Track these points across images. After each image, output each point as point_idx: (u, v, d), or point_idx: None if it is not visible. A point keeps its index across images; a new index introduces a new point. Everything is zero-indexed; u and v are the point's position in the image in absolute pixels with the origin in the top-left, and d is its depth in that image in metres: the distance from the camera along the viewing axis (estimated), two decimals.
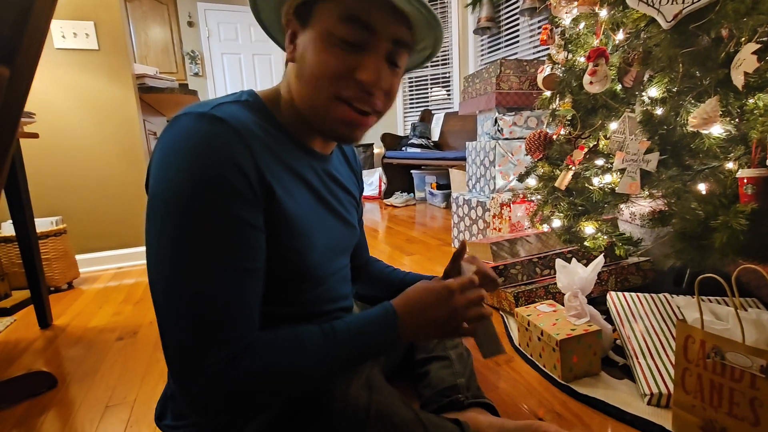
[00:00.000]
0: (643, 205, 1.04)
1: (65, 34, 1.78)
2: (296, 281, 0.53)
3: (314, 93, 0.48)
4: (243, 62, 4.65)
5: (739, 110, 0.74)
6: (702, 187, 0.81)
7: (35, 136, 1.33)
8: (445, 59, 4.06)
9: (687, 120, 0.79)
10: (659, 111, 0.88)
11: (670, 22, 0.77)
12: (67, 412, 0.87)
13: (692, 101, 0.79)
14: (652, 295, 1.00)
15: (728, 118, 0.75)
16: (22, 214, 1.24)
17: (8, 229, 1.57)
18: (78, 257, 1.87)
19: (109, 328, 1.30)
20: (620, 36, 0.98)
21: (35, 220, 1.32)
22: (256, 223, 0.45)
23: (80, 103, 1.85)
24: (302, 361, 0.45)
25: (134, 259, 2.04)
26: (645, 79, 0.93)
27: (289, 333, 0.47)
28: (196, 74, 4.49)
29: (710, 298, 0.93)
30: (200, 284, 0.41)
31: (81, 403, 0.90)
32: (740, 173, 0.72)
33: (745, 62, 0.66)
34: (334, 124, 0.49)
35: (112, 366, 1.05)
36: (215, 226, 0.42)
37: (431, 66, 4.16)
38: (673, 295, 0.99)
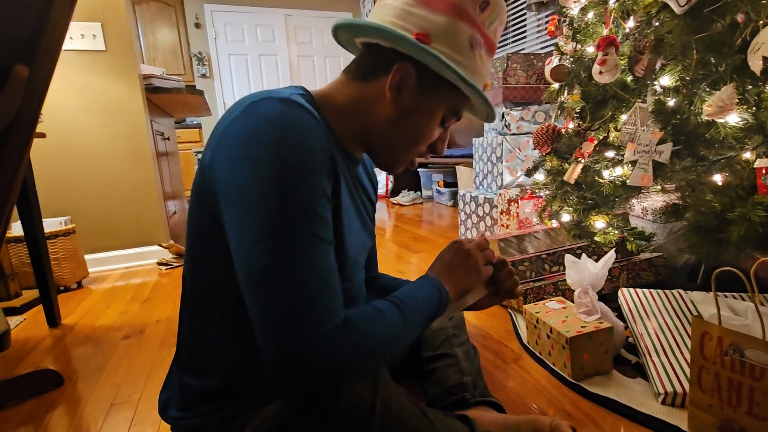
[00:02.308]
0: (656, 200, 1.01)
1: (72, 35, 1.79)
2: None
3: (406, 146, 0.57)
4: (250, 63, 4.66)
5: (756, 98, 0.71)
6: (718, 179, 0.78)
7: (43, 136, 1.34)
8: None
9: (701, 109, 0.76)
10: (672, 100, 0.85)
11: (683, 6, 0.74)
12: (73, 409, 0.87)
13: (707, 89, 0.77)
14: (666, 291, 0.97)
15: (745, 106, 0.72)
16: (30, 214, 1.26)
17: (18, 229, 1.59)
18: (87, 257, 1.89)
19: (116, 326, 1.31)
20: (630, 24, 0.95)
21: (44, 220, 1.33)
22: (330, 206, 0.48)
23: (88, 103, 1.87)
24: (391, 329, 0.49)
25: (142, 258, 2.05)
26: (657, 67, 0.91)
27: (370, 308, 0.49)
28: (204, 75, 4.52)
29: (726, 294, 0.90)
30: (307, 259, 0.42)
31: (87, 400, 0.90)
32: (758, 163, 0.69)
33: (763, 46, 0.63)
34: (399, 167, 0.60)
35: (118, 364, 1.06)
36: (313, 203, 0.44)
37: None
38: (688, 291, 0.96)
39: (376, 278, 0.85)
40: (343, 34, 0.58)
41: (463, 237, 0.68)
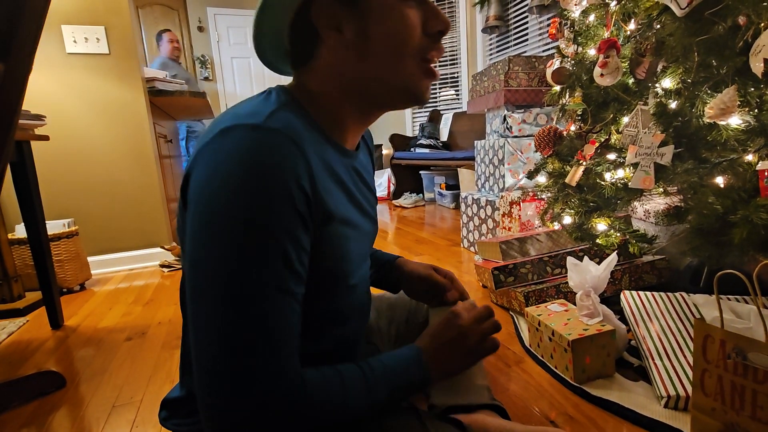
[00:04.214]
0: (658, 203, 1.01)
1: (76, 38, 1.81)
2: (330, 289, 0.51)
3: (393, 58, 0.47)
4: (252, 66, 4.69)
5: (758, 100, 0.70)
6: (720, 181, 0.77)
7: (46, 138, 1.35)
8: (454, 59, 4.04)
9: (703, 111, 0.76)
10: (673, 103, 0.85)
11: (684, 9, 0.74)
12: (75, 411, 0.88)
13: (708, 91, 0.76)
14: (668, 293, 0.96)
15: (747, 109, 0.72)
16: (33, 216, 1.26)
17: (21, 231, 1.59)
18: (90, 259, 1.90)
19: (119, 328, 1.31)
20: (632, 26, 0.95)
21: (47, 222, 1.34)
22: (306, 245, 0.43)
23: (91, 106, 1.88)
24: (346, 398, 0.44)
25: (145, 260, 2.06)
26: (658, 70, 0.90)
27: (331, 369, 0.45)
28: (207, 78, 4.55)
29: (729, 296, 0.90)
30: (255, 307, 0.39)
31: (89, 402, 0.90)
32: (760, 165, 0.69)
33: (765, 48, 0.63)
34: (413, 82, 0.49)
35: (120, 366, 1.06)
36: (274, 247, 0.40)
37: (440, 66, 4.14)
38: (690, 294, 0.95)
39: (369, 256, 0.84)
40: (270, 53, 0.54)
41: (461, 306, 0.60)
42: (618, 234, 1.07)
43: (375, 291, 0.83)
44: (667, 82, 0.85)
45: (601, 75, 0.94)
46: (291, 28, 0.50)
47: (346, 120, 0.52)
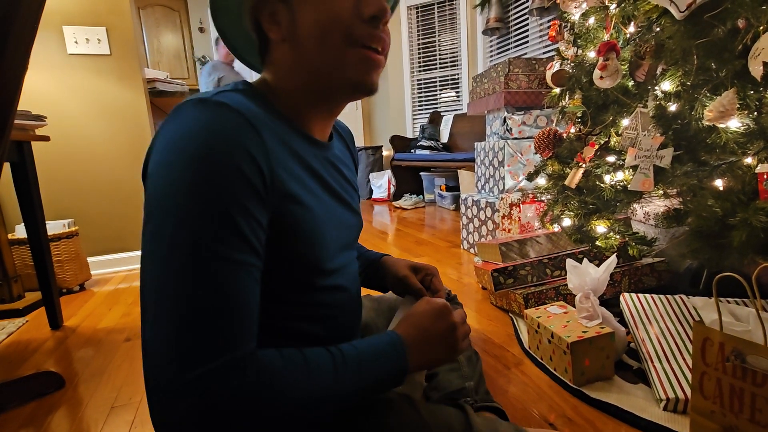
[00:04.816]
0: (657, 205, 1.01)
1: (78, 39, 1.81)
2: (306, 278, 0.51)
3: (325, 47, 0.46)
4: None
5: (757, 103, 0.71)
6: (719, 184, 0.77)
7: (47, 138, 1.35)
8: (454, 61, 4.05)
9: (702, 114, 0.76)
10: (673, 105, 0.85)
11: (683, 12, 0.74)
12: (74, 412, 0.88)
13: (708, 94, 0.76)
14: (668, 296, 0.96)
15: (746, 112, 0.72)
16: (33, 216, 1.26)
17: (21, 231, 1.59)
18: (90, 259, 1.90)
19: (118, 329, 1.31)
20: (631, 29, 0.95)
21: (47, 222, 1.34)
22: (262, 219, 0.42)
23: (92, 107, 1.88)
24: (308, 384, 0.39)
25: None
26: (658, 72, 0.91)
27: (294, 351, 0.41)
28: None
29: (728, 299, 0.90)
30: (202, 279, 0.37)
31: (87, 403, 0.90)
32: (759, 168, 0.69)
33: (764, 52, 0.63)
34: (354, 72, 0.48)
35: (120, 366, 1.06)
36: (222, 219, 0.38)
37: (440, 68, 4.15)
38: (690, 296, 0.95)
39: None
40: (250, 56, 0.56)
41: (451, 306, 0.55)
42: (617, 236, 1.07)
43: (373, 293, 0.83)
44: (667, 85, 0.85)
45: (601, 77, 0.94)
46: (253, 29, 0.52)
47: (308, 111, 0.52)
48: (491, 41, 3.71)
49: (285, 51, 0.49)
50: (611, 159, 1.03)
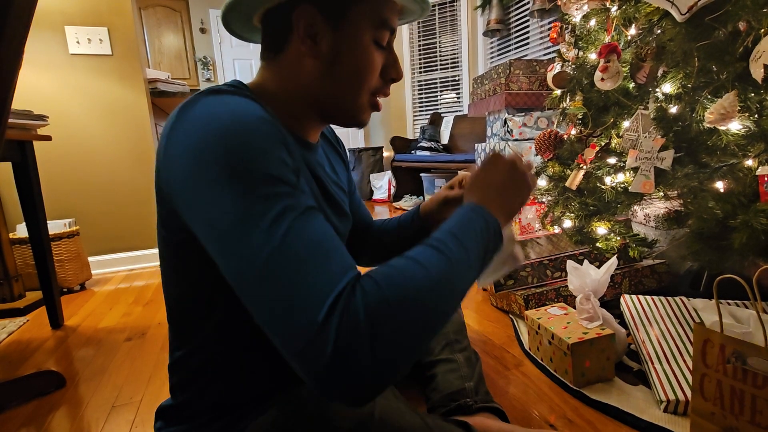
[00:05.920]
0: (658, 207, 1.01)
1: (79, 39, 1.82)
2: None
3: (351, 87, 0.52)
4: (254, 67, 4.70)
5: (758, 105, 0.71)
6: (720, 186, 0.78)
7: (48, 138, 1.36)
8: (455, 62, 4.05)
9: (703, 116, 0.76)
10: (674, 108, 0.86)
11: (684, 14, 0.75)
12: (74, 411, 0.88)
13: (709, 96, 0.77)
14: (668, 297, 0.96)
15: (747, 114, 0.72)
16: (35, 216, 1.27)
17: (23, 230, 1.60)
18: (91, 259, 1.90)
19: (119, 328, 1.31)
20: (632, 31, 0.95)
21: (49, 222, 1.34)
22: (304, 187, 0.43)
23: (93, 106, 1.89)
24: (427, 270, 0.38)
25: (145, 261, 2.06)
26: (659, 75, 0.91)
27: (399, 258, 0.40)
28: (208, 80, 4.56)
29: (729, 301, 0.90)
30: (285, 238, 0.36)
31: (88, 402, 0.90)
32: (760, 171, 0.69)
33: (765, 54, 0.63)
34: (360, 112, 0.54)
35: (120, 366, 1.06)
36: (272, 178, 0.38)
37: (440, 69, 4.15)
38: (690, 298, 0.95)
39: (373, 227, 0.84)
40: (236, 25, 0.56)
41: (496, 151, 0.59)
42: (618, 238, 1.08)
43: None
44: (668, 87, 0.85)
45: (602, 79, 0.94)
46: (268, 14, 0.52)
47: (304, 116, 0.55)
48: (492, 43, 3.72)
49: (308, 64, 0.51)
50: (612, 161, 1.04)
